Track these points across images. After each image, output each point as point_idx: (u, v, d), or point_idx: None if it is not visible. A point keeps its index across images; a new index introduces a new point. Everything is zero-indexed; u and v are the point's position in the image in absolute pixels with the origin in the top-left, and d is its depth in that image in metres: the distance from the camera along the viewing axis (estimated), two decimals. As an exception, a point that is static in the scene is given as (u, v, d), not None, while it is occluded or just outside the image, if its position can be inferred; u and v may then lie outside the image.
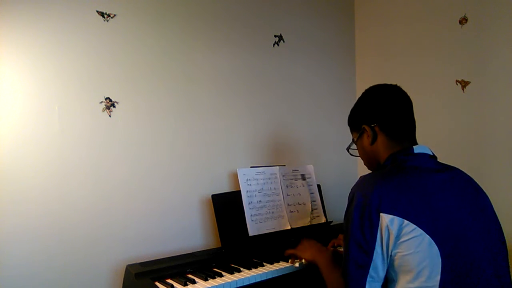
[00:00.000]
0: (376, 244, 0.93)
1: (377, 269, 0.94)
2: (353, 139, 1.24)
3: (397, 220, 0.91)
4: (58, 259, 1.36)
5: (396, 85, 1.17)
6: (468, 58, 1.84)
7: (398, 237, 0.92)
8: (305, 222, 1.73)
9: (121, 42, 1.52)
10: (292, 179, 1.77)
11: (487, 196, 1.07)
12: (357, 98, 1.24)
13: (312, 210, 1.77)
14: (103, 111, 1.48)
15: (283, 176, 1.74)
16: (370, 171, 1.19)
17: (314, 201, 1.79)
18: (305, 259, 1.30)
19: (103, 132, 1.47)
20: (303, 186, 1.79)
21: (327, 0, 2.25)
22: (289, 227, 1.66)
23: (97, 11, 1.47)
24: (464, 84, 1.86)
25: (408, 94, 1.17)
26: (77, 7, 1.43)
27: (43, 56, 1.36)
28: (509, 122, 1.71)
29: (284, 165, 1.82)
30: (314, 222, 1.75)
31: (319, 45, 2.20)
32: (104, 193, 1.46)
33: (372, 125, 1.13)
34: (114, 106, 1.50)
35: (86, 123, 1.44)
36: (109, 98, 1.49)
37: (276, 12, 2.01)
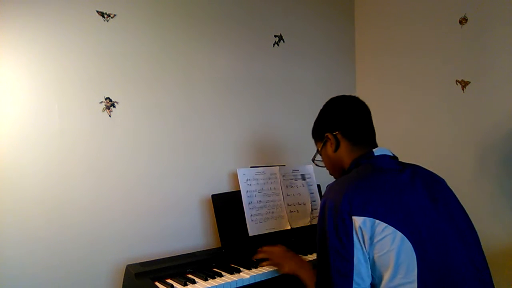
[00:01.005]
0: (355, 248, 0.95)
1: (361, 274, 0.95)
2: (317, 150, 1.28)
3: (368, 220, 0.94)
4: (57, 259, 1.36)
5: (354, 96, 1.23)
6: (468, 58, 1.84)
7: (372, 237, 0.94)
8: (305, 222, 1.72)
9: (121, 42, 1.52)
10: (292, 179, 1.77)
11: (449, 188, 1.12)
12: None
13: (312, 210, 1.77)
14: (103, 111, 1.48)
15: (283, 176, 1.74)
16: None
17: (314, 201, 1.79)
18: (284, 273, 1.27)
19: (103, 132, 1.47)
20: (303, 186, 1.79)
21: (327, 0, 2.25)
22: (289, 227, 1.66)
23: (97, 11, 1.48)
24: (464, 84, 1.86)
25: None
26: (77, 7, 1.43)
27: (43, 56, 1.36)
28: (509, 122, 1.71)
29: (284, 165, 1.82)
30: (314, 222, 1.75)
31: (319, 45, 2.19)
32: (104, 193, 1.46)
33: (334, 133, 1.18)
34: (114, 106, 1.50)
35: (86, 123, 1.44)
36: (109, 98, 1.49)
37: (276, 12, 2.01)
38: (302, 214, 1.73)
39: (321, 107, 1.28)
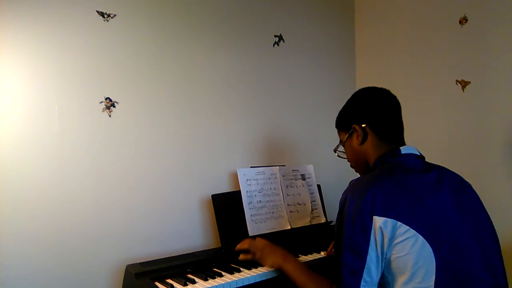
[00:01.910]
0: (370, 247, 0.93)
1: (371, 273, 0.94)
2: (341, 140, 1.23)
3: (390, 222, 0.92)
4: (57, 259, 1.36)
5: (385, 89, 1.18)
6: (468, 58, 1.84)
7: (392, 239, 0.92)
8: (305, 222, 1.73)
9: (121, 42, 1.52)
10: (292, 179, 1.77)
11: (475, 193, 1.09)
12: None
13: (312, 210, 1.77)
14: (103, 111, 1.48)
15: (283, 176, 1.74)
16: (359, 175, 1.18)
17: (314, 201, 1.79)
18: (267, 267, 1.24)
19: (103, 132, 1.47)
20: (303, 186, 1.79)
21: (327, 0, 2.25)
22: (289, 227, 1.66)
23: (97, 11, 1.47)
24: (464, 84, 1.86)
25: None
26: (77, 7, 1.43)
27: (43, 56, 1.36)
28: (509, 122, 1.71)
29: (284, 165, 1.82)
30: (314, 222, 1.75)
31: (319, 45, 2.20)
32: (104, 193, 1.46)
33: (363, 125, 1.13)
34: (114, 106, 1.50)
35: (86, 123, 1.44)
36: (109, 98, 1.49)
37: (276, 12, 2.01)
38: (302, 214, 1.73)
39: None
